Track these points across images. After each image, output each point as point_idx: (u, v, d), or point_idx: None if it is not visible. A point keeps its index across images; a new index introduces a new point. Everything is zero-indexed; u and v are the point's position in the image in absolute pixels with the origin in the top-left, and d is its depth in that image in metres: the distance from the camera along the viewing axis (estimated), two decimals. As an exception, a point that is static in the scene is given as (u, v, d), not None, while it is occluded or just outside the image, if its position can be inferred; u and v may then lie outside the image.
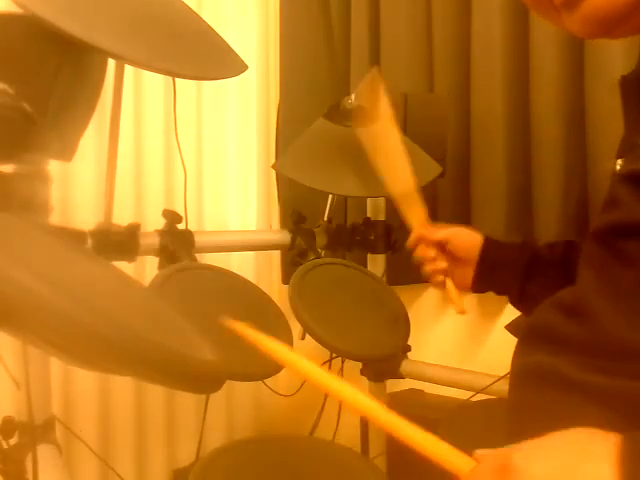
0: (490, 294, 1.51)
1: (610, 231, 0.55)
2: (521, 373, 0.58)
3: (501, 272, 0.86)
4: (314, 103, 1.69)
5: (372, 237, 1.41)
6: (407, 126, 1.33)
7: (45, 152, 0.89)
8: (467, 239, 0.89)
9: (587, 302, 0.54)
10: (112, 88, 0.99)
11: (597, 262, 0.56)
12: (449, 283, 0.91)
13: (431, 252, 0.91)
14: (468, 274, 0.89)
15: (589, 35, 0.56)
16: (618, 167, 0.58)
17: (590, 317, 0.53)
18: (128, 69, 1.01)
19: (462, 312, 0.92)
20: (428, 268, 0.92)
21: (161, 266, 1.10)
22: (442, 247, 0.91)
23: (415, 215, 0.96)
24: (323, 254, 1.34)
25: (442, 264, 0.91)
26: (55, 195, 0.95)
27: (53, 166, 0.93)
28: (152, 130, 1.55)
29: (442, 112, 1.39)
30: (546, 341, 0.56)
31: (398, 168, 1.01)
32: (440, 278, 0.92)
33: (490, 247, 0.88)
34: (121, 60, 0.94)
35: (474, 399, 1.21)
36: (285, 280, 1.75)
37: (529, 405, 0.55)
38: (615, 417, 0.47)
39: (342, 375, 1.48)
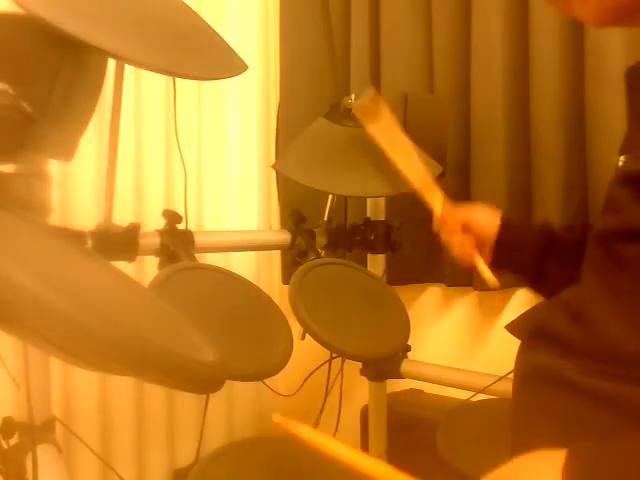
0: (491, 294, 1.51)
1: (610, 235, 0.55)
2: (525, 374, 0.58)
3: (517, 253, 0.87)
4: (314, 103, 1.69)
5: (372, 237, 1.41)
6: (407, 126, 1.33)
7: (45, 152, 0.89)
8: (485, 219, 0.90)
9: (589, 306, 0.54)
10: (112, 88, 0.99)
11: (599, 265, 0.56)
12: (478, 260, 0.91)
13: (456, 233, 0.91)
14: (489, 252, 0.90)
15: (600, 23, 0.56)
16: (620, 164, 0.58)
17: (592, 321, 0.53)
18: (128, 69, 1.01)
19: (495, 285, 0.91)
20: (455, 249, 0.93)
21: (161, 266, 1.10)
22: (466, 226, 0.91)
23: (435, 200, 0.99)
24: (323, 254, 1.34)
25: (467, 243, 0.91)
26: (55, 195, 0.95)
27: (53, 166, 0.93)
28: (152, 130, 1.55)
29: (442, 112, 1.39)
30: (551, 343, 0.56)
31: (412, 160, 1.05)
32: (468, 257, 0.91)
33: (507, 228, 0.88)
34: (121, 60, 0.93)
35: (474, 399, 1.21)
36: (285, 280, 1.75)
37: (533, 406, 0.55)
38: (618, 421, 0.47)
39: (342, 375, 1.48)
